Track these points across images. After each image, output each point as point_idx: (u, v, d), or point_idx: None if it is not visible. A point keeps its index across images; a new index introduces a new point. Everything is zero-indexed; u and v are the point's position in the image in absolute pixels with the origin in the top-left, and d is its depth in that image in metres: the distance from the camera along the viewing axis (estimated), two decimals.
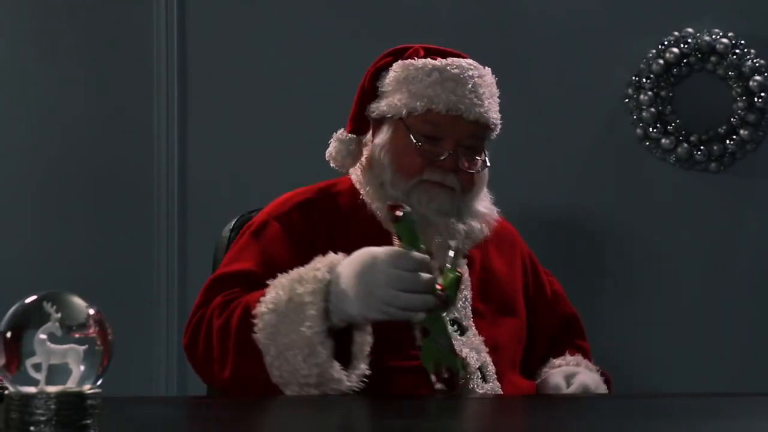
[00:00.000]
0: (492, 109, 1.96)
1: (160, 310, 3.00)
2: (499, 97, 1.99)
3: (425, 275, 1.67)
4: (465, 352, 1.85)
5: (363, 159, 2.00)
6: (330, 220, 1.94)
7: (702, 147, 3.01)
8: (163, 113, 3.01)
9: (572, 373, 1.98)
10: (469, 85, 1.93)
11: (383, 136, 1.96)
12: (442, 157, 1.92)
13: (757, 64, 3.00)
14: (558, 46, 3.02)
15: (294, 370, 1.70)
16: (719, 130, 3.03)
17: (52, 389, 1.13)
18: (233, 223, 2.18)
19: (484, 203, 2.00)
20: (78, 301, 1.16)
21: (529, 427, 1.50)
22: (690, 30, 3.02)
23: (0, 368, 1.14)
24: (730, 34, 3.00)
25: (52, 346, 1.14)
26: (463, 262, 1.96)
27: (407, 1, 3.02)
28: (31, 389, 1.14)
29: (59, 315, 1.14)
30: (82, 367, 1.14)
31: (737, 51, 3.00)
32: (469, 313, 1.93)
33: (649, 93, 3.00)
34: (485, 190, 2.00)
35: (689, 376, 2.98)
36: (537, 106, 3.00)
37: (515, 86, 2.80)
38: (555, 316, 2.11)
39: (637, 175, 3.03)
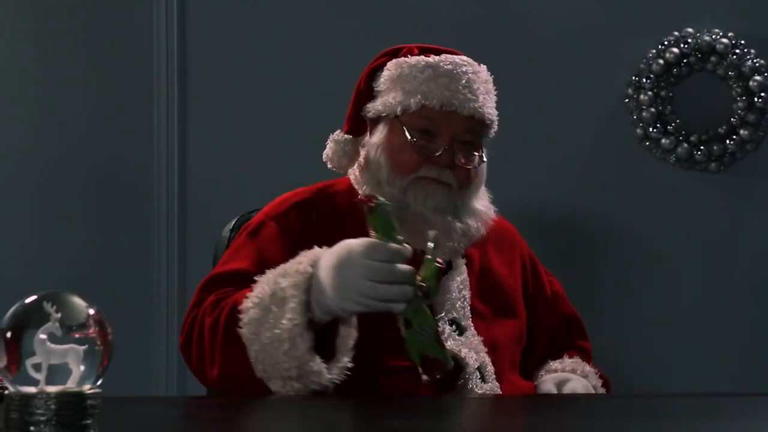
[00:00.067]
0: (487, 105, 1.95)
1: (160, 310, 3.00)
2: (497, 96, 1.99)
3: (402, 266, 1.66)
4: (464, 352, 1.85)
5: (361, 159, 1.99)
6: (327, 220, 1.93)
7: (702, 147, 3.01)
8: (163, 113, 3.01)
9: (564, 380, 1.98)
10: (463, 81, 1.92)
11: (379, 135, 1.96)
12: (437, 153, 1.91)
13: (757, 64, 3.00)
14: (558, 46, 3.02)
15: (275, 363, 1.69)
16: (719, 130, 3.03)
17: (52, 389, 1.13)
18: (233, 223, 2.18)
19: (482, 201, 1.99)
20: (78, 301, 1.16)
21: (529, 427, 1.50)
22: (690, 30, 3.02)
23: (0, 368, 1.14)
24: (730, 34, 3.00)
25: (52, 346, 1.14)
26: (462, 261, 1.96)
27: (407, 1, 3.02)
28: (31, 389, 1.14)
29: (59, 315, 1.14)
30: (82, 367, 1.14)
31: (737, 51, 3.00)
32: (468, 313, 1.92)
33: (649, 93, 3.00)
34: (483, 188, 2.00)
35: (689, 376, 2.98)
36: (537, 106, 3.00)
37: (515, 86, 2.80)
38: (555, 316, 2.11)
39: (637, 175, 3.03)
